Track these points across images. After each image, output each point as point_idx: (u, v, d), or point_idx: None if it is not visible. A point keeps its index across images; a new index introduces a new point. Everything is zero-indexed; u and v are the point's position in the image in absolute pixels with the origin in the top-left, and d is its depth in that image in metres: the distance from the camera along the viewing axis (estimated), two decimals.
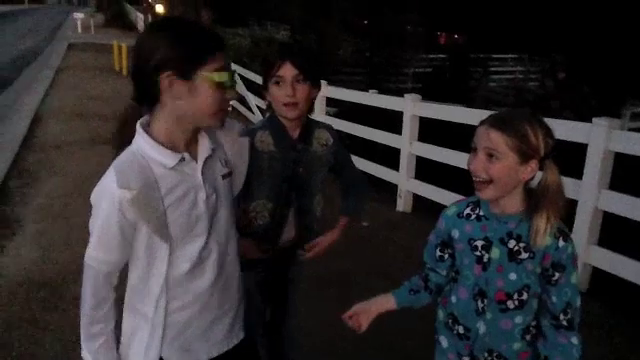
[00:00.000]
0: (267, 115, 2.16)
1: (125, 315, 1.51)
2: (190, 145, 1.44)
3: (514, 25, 18.23)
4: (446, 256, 1.73)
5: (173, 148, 1.40)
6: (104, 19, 37.16)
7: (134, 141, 1.39)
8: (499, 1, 18.60)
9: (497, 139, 1.49)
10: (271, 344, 2.42)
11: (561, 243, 1.53)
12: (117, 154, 1.39)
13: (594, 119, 3.80)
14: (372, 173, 6.35)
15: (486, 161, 1.51)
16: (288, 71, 1.96)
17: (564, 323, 1.56)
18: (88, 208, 1.40)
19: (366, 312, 1.78)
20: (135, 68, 1.39)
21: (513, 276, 1.57)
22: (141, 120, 1.42)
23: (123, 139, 1.41)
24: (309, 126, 2.13)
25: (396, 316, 1.88)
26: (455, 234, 1.67)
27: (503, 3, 18.52)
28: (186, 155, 1.41)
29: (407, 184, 5.86)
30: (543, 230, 1.50)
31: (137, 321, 1.48)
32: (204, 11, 11.24)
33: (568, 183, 3.94)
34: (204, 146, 1.47)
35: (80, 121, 9.61)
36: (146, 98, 1.40)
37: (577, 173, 3.87)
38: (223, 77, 1.37)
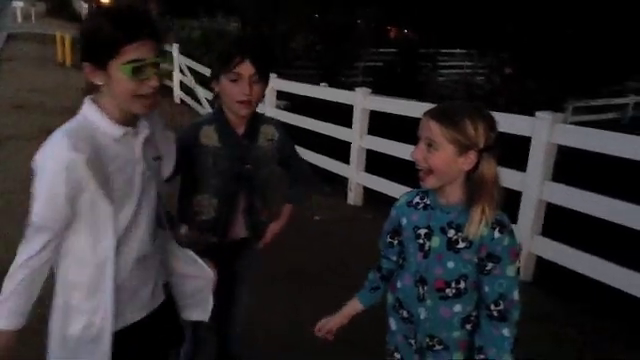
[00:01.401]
0: (214, 109, 2.13)
1: (61, 292, 1.55)
2: (131, 123, 1.54)
3: (462, 21, 18.60)
4: (395, 242, 1.77)
5: (117, 122, 1.50)
6: (46, 8, 35.83)
7: (81, 112, 1.50)
8: None
9: (435, 130, 1.53)
10: (217, 341, 2.37)
11: (497, 234, 1.55)
12: None
13: (537, 113, 3.92)
14: (323, 166, 6.38)
15: (426, 151, 1.56)
16: (246, 69, 1.93)
17: (495, 314, 1.59)
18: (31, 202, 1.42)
19: (334, 322, 1.86)
20: (80, 53, 1.50)
21: (451, 264, 1.61)
22: (90, 95, 1.51)
23: None
24: (255, 121, 2.11)
25: (370, 309, 1.90)
26: (403, 221, 1.72)
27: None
28: (129, 130, 1.52)
29: (357, 177, 5.91)
30: (477, 221, 1.54)
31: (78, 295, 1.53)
32: (152, 2, 11.00)
33: (513, 175, 4.08)
34: (144, 126, 1.57)
35: (21, 114, 9.27)
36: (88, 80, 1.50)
37: (522, 165, 3.99)
38: (125, 71, 1.42)
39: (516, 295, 1.59)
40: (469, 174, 1.57)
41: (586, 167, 4.89)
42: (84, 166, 1.40)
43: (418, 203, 1.70)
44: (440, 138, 1.53)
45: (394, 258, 1.79)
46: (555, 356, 3.23)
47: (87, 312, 1.52)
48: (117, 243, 1.52)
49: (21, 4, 29.53)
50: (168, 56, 11.42)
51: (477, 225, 1.54)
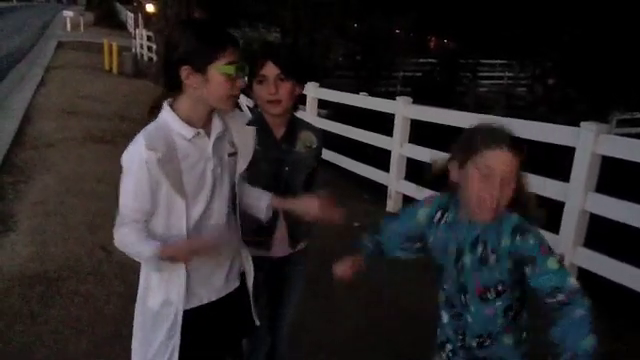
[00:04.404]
0: (254, 113, 2.21)
1: (144, 268, 1.74)
2: (205, 124, 1.70)
3: (503, 31, 18.43)
4: (417, 246, 1.84)
5: (191, 124, 1.66)
6: (94, 18, 36.98)
7: (160, 115, 1.68)
8: (489, 7, 18.79)
9: (513, 162, 1.52)
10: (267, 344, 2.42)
11: (518, 240, 1.57)
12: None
13: (582, 123, 3.90)
14: (363, 174, 6.46)
15: (500, 189, 1.52)
16: (270, 70, 2.03)
17: (556, 305, 1.54)
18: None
19: (346, 267, 2.02)
20: (164, 60, 1.69)
21: (487, 275, 1.65)
22: (168, 100, 1.70)
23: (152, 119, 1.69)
24: (294, 126, 2.19)
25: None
26: (430, 239, 1.77)
27: (493, 9, 18.72)
28: (201, 131, 1.68)
29: (397, 185, 5.95)
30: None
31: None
32: (197, 11, 11.26)
33: (556, 185, 4.03)
34: (216, 126, 1.73)
35: (71, 119, 9.60)
36: (172, 85, 1.66)
37: (565, 176, 3.97)
38: (229, 70, 1.61)
39: (573, 282, 1.54)
40: None
41: (630, 178, 4.81)
42: (157, 163, 1.57)
43: (440, 220, 1.74)
44: (514, 169, 1.52)
45: (413, 256, 1.86)
46: None
47: (164, 288, 1.70)
48: (189, 232, 1.67)
49: (71, 14, 30.57)
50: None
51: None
